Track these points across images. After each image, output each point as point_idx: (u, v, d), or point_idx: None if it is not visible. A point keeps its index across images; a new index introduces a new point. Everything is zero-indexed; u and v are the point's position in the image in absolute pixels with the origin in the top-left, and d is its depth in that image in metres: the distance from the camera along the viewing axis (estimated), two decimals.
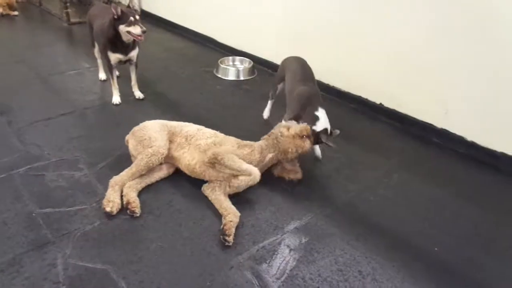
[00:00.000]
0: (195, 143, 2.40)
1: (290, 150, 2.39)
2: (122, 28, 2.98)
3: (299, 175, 2.51)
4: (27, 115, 3.04)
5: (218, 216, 2.16)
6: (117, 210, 2.14)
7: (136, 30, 2.96)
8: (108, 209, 2.12)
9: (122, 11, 2.95)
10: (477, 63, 2.71)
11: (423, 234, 2.16)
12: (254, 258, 1.93)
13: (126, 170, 2.32)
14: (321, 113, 2.52)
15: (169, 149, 2.42)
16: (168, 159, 2.45)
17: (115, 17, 2.96)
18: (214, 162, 2.26)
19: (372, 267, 1.93)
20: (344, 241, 2.07)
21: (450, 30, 2.78)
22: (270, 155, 2.45)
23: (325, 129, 2.47)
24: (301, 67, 2.81)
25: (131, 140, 2.47)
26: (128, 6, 3.01)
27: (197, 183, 2.39)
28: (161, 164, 2.42)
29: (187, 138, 2.44)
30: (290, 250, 2.00)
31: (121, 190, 2.24)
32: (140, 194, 2.29)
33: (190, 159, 2.37)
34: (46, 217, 2.09)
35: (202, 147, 2.37)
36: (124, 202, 2.18)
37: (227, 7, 4.52)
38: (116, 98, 3.35)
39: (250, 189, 2.34)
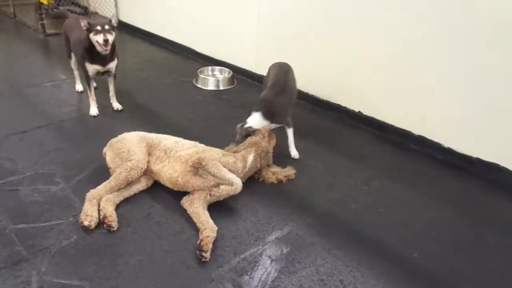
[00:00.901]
0: (175, 155, 2.38)
1: (270, 151, 2.59)
2: (91, 37, 2.96)
3: (292, 170, 2.65)
4: (1, 129, 2.97)
5: (197, 227, 2.13)
6: (95, 224, 2.10)
7: (99, 38, 2.93)
8: (86, 223, 2.08)
9: (88, 22, 2.95)
10: (453, 72, 2.77)
11: (403, 240, 2.18)
12: (235, 270, 1.91)
13: (104, 183, 2.28)
14: (254, 117, 2.65)
15: (148, 162, 2.40)
16: (147, 172, 2.42)
17: (84, 28, 2.95)
18: (198, 167, 2.25)
19: (353, 276, 1.93)
20: (325, 250, 2.07)
21: (426, 39, 2.84)
22: (250, 157, 2.47)
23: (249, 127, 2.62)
24: (276, 73, 2.87)
25: (108, 152, 2.44)
26: (110, 21, 2.99)
27: (177, 195, 2.36)
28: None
29: (166, 152, 2.42)
30: (272, 260, 1.99)
31: (99, 204, 2.20)
32: (118, 206, 2.25)
33: (171, 172, 2.35)
34: (20, 233, 2.03)
35: (184, 158, 2.35)
36: (101, 217, 2.13)
37: (206, 17, 4.53)
38: (93, 110, 3.30)
39: (230, 199, 2.33)
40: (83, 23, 2.94)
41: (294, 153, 2.88)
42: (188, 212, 2.23)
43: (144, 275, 1.85)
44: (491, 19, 2.50)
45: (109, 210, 2.15)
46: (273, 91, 2.74)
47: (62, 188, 2.38)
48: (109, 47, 2.98)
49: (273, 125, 2.73)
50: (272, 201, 2.42)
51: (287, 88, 2.80)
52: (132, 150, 2.37)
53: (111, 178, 2.30)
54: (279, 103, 2.70)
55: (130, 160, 2.32)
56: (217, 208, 2.28)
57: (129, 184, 2.34)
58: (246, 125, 2.64)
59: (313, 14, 3.47)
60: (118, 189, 2.30)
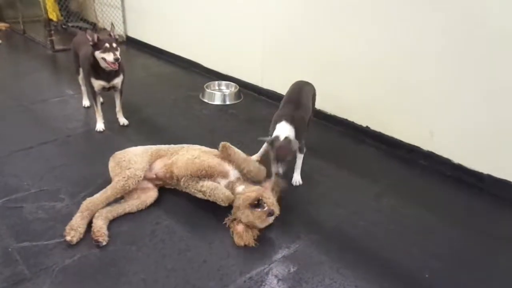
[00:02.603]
0: (190, 150, 2.55)
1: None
2: (98, 54, 2.96)
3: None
4: (7, 145, 2.97)
5: (203, 246, 2.10)
6: (77, 240, 2.06)
7: (109, 57, 2.92)
8: (68, 238, 2.04)
9: (98, 38, 2.93)
10: (463, 87, 2.73)
11: (414, 259, 2.12)
12: None
13: (101, 192, 2.26)
14: (281, 124, 2.49)
15: (162, 159, 2.49)
16: (161, 170, 2.46)
17: (91, 43, 2.94)
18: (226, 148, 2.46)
19: None
20: (334, 269, 2.02)
21: (435, 54, 2.81)
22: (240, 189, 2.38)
23: (276, 137, 2.45)
24: (291, 90, 2.83)
25: (111, 163, 2.47)
26: (110, 35, 2.99)
27: (180, 212, 2.33)
28: (137, 191, 2.39)
29: (181, 149, 2.55)
30: (278, 280, 1.94)
31: (92, 216, 2.17)
32: (122, 224, 2.22)
33: (189, 156, 2.44)
34: (23, 251, 2.00)
35: (203, 149, 2.58)
36: (91, 232, 2.10)
37: (212, 33, 4.55)
38: (100, 125, 3.30)
39: None
40: (91, 37, 2.91)
41: (296, 179, 2.71)
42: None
43: None
44: (503, 35, 2.46)
45: (98, 225, 2.11)
46: (289, 108, 2.64)
47: (67, 205, 2.36)
48: (117, 66, 2.99)
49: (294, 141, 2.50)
50: (279, 218, 2.36)
51: (301, 105, 2.68)
52: (132, 160, 2.40)
53: (108, 187, 2.29)
54: (299, 116, 2.59)
55: (128, 169, 2.33)
56: (223, 226, 2.24)
57: (125, 199, 2.33)
58: (274, 136, 2.47)
59: (319, 29, 3.46)
60: (112, 204, 2.27)
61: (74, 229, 2.08)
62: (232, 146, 2.51)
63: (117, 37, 3.04)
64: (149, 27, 5.55)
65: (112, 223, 2.23)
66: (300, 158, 2.71)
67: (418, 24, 2.84)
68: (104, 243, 2.06)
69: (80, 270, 1.92)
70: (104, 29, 6.23)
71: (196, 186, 2.37)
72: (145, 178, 2.44)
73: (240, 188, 2.37)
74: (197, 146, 2.64)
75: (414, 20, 2.85)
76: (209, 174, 2.39)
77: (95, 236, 2.06)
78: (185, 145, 2.65)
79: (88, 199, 2.22)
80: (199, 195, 2.37)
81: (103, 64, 3.01)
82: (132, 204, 2.33)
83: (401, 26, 2.93)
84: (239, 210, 2.19)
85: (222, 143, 2.51)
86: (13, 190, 2.47)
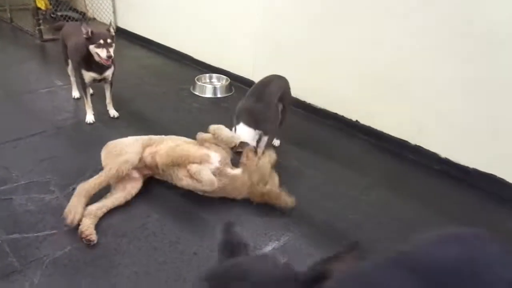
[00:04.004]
0: (173, 141, 2.59)
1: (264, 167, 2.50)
2: (92, 48, 2.95)
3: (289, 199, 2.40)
4: None
5: (193, 239, 2.12)
6: (77, 222, 2.08)
7: (103, 53, 2.92)
8: (68, 220, 2.07)
9: (92, 32, 2.92)
10: (451, 83, 2.77)
11: None
12: None
13: (95, 177, 2.28)
14: (240, 127, 2.59)
15: (150, 147, 2.52)
16: (147, 158, 2.48)
17: (85, 36, 2.92)
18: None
19: None
20: None
21: (424, 50, 2.84)
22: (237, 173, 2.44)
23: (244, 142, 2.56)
24: (258, 83, 2.86)
25: (103, 152, 2.49)
26: (108, 30, 2.98)
27: (171, 206, 2.34)
28: (123, 182, 2.39)
29: (163, 141, 2.59)
30: None
31: (87, 200, 2.19)
32: (113, 217, 2.23)
33: (172, 144, 2.51)
34: (13, 243, 2.00)
35: (183, 139, 2.63)
36: (79, 231, 2.07)
37: (203, 24, 4.53)
38: (89, 117, 3.27)
39: (226, 210, 2.32)
40: (85, 30, 2.90)
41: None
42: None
43: (139, 287, 1.82)
44: (490, 32, 2.50)
45: (85, 224, 2.09)
46: (249, 100, 2.69)
47: (57, 197, 2.35)
48: (110, 61, 2.98)
49: (257, 132, 2.63)
50: (269, 211, 2.39)
51: (265, 98, 2.68)
52: (124, 149, 2.43)
53: (102, 172, 2.30)
54: (259, 108, 2.63)
55: (121, 155, 2.36)
56: (213, 218, 2.26)
57: (113, 187, 2.36)
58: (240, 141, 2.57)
59: (311, 22, 3.47)
60: (101, 200, 2.28)
61: (72, 212, 2.09)
62: (203, 133, 2.66)
63: (113, 33, 3.02)
64: (140, 18, 5.48)
65: (103, 216, 2.22)
66: (265, 141, 2.71)
67: (407, 20, 2.86)
68: (95, 241, 2.05)
69: (71, 262, 1.92)
70: (94, 18, 6.15)
71: (181, 172, 2.38)
72: (135, 166, 2.45)
73: (234, 170, 2.45)
74: (183, 138, 2.68)
75: (403, 17, 2.87)
76: (190, 161, 2.40)
77: (85, 235, 2.04)
78: (173, 136, 2.69)
79: (82, 184, 2.23)
80: (184, 183, 2.37)
81: (96, 58, 2.99)
82: (120, 197, 2.33)
83: (390, 22, 2.95)
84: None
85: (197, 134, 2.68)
86: (2, 182, 2.45)
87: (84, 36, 2.92)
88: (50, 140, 2.98)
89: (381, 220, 2.40)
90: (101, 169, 2.39)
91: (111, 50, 2.95)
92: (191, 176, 2.34)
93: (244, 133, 2.57)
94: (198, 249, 2.07)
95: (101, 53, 2.93)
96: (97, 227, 2.13)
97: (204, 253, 2.05)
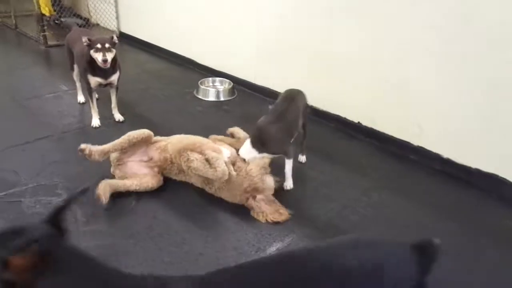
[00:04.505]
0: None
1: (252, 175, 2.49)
2: (92, 53, 3.04)
3: (284, 215, 2.37)
4: (2, 141, 2.98)
5: (199, 239, 2.16)
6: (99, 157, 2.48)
7: (99, 57, 3.01)
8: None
9: (89, 39, 3.02)
10: (452, 83, 2.80)
11: None
12: None
13: (109, 144, 2.52)
14: (245, 145, 2.45)
15: (158, 144, 2.65)
16: (155, 153, 2.60)
17: (85, 44, 3.02)
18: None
19: None
20: None
21: (425, 51, 2.88)
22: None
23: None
24: (278, 100, 2.69)
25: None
26: (112, 37, 3.08)
27: (177, 207, 2.38)
28: (138, 174, 2.53)
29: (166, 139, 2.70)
30: None
31: (106, 155, 2.52)
32: (120, 218, 2.28)
33: (183, 135, 2.68)
34: None
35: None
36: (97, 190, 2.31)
37: (206, 29, 4.58)
38: (95, 121, 3.33)
39: (231, 211, 2.36)
40: (84, 39, 3.02)
41: (288, 184, 2.64)
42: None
43: None
44: (489, 32, 2.54)
45: (103, 186, 2.33)
46: (268, 118, 2.52)
47: (64, 200, 2.39)
48: (108, 65, 3.06)
49: (265, 155, 2.52)
50: None
51: (285, 117, 2.54)
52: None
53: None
54: (272, 131, 2.45)
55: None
56: (218, 219, 2.29)
57: (128, 176, 2.52)
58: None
59: (312, 26, 3.51)
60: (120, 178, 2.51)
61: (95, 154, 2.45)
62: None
63: (115, 40, 3.09)
64: (142, 23, 5.55)
65: (111, 217, 2.28)
66: (288, 163, 2.60)
67: (407, 22, 2.90)
68: (105, 202, 2.28)
69: None
70: (97, 24, 6.22)
71: (193, 155, 2.41)
72: (142, 162, 2.59)
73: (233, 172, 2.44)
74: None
75: (404, 18, 2.91)
76: (203, 149, 2.46)
77: (99, 195, 2.28)
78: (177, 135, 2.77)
79: (97, 147, 2.49)
80: (194, 165, 2.37)
81: (98, 62, 3.06)
82: (132, 183, 2.46)
83: (393, 24, 2.99)
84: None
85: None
86: (11, 185, 2.50)
87: (85, 44, 3.03)
88: (56, 144, 3.03)
89: (383, 221, 2.43)
90: (108, 172, 2.44)
91: (108, 54, 3.03)
92: (205, 160, 2.37)
93: (245, 152, 2.43)
94: (204, 250, 2.10)
95: (98, 57, 3.01)
96: (104, 228, 2.19)
97: (210, 253, 2.09)
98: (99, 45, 2.99)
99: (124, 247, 2.08)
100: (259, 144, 2.42)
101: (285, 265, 1.20)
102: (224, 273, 1.23)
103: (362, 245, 1.26)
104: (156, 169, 2.58)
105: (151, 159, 2.59)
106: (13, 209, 2.29)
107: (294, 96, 2.70)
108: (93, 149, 2.47)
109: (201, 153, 2.43)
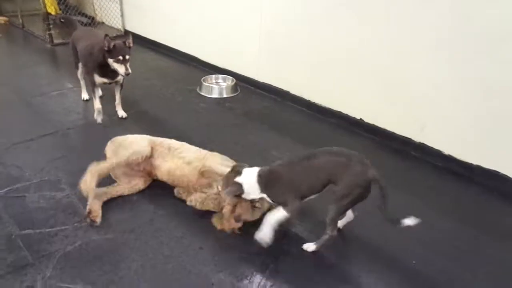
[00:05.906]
0: (179, 155, 2.50)
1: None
2: (111, 62, 3.04)
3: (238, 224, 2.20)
4: (8, 137, 3.03)
5: (199, 234, 2.18)
6: (89, 192, 2.24)
7: (121, 69, 3.04)
8: (84, 193, 2.25)
9: (114, 46, 2.98)
10: (453, 80, 2.80)
11: (402, 246, 2.20)
12: (235, 275, 1.95)
13: (105, 161, 2.40)
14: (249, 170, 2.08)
15: (150, 156, 2.52)
16: (147, 165, 2.52)
17: (106, 49, 2.98)
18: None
19: (355, 280, 1.96)
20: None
21: (426, 49, 2.88)
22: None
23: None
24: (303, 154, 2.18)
25: (109, 147, 2.58)
26: (124, 43, 3.06)
27: (177, 202, 2.41)
28: (128, 177, 2.50)
29: (170, 149, 2.54)
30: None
31: (99, 177, 2.31)
32: (121, 213, 2.31)
33: (172, 165, 2.47)
34: (26, 238, 2.08)
35: (187, 159, 2.46)
36: (87, 209, 2.22)
37: (209, 27, 4.60)
38: (99, 118, 3.36)
39: None
40: (107, 43, 2.94)
41: (259, 236, 2.09)
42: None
43: (145, 280, 1.89)
44: (490, 30, 2.53)
45: (95, 206, 2.25)
46: (283, 163, 2.13)
47: (67, 195, 2.43)
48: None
49: (265, 197, 2.08)
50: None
51: (295, 169, 2.07)
52: (134, 142, 2.54)
53: (114, 158, 2.44)
54: (279, 176, 2.04)
55: (131, 148, 2.47)
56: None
57: (119, 180, 2.48)
58: (238, 179, 2.05)
59: (315, 23, 3.52)
60: (107, 186, 2.42)
61: (87, 187, 2.24)
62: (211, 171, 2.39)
63: (131, 45, 3.10)
64: (147, 21, 5.58)
65: (112, 212, 2.31)
66: (277, 213, 2.05)
67: (410, 20, 2.90)
68: (99, 222, 2.20)
69: (81, 256, 2.00)
70: (102, 22, 6.27)
71: (194, 195, 2.39)
72: (133, 169, 2.53)
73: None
74: (185, 150, 2.54)
75: (406, 16, 2.91)
76: (191, 187, 2.43)
77: (92, 216, 2.20)
78: (173, 142, 2.60)
79: (94, 166, 2.33)
80: (193, 197, 2.39)
81: (119, 73, 3.10)
82: (124, 188, 2.46)
83: (394, 21, 2.99)
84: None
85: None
86: (15, 180, 2.54)
87: (105, 48, 2.98)
88: (61, 140, 3.07)
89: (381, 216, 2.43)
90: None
91: (129, 66, 3.05)
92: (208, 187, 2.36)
93: (247, 178, 2.04)
94: (204, 244, 2.13)
95: (119, 69, 3.04)
96: (106, 223, 2.22)
97: (210, 247, 2.11)
98: (121, 57, 3.00)
99: (125, 241, 2.11)
100: (263, 183, 2.03)
101: None
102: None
103: None
104: (145, 173, 2.57)
105: (142, 169, 2.54)
106: (17, 204, 2.33)
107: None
108: (90, 199, 2.28)
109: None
